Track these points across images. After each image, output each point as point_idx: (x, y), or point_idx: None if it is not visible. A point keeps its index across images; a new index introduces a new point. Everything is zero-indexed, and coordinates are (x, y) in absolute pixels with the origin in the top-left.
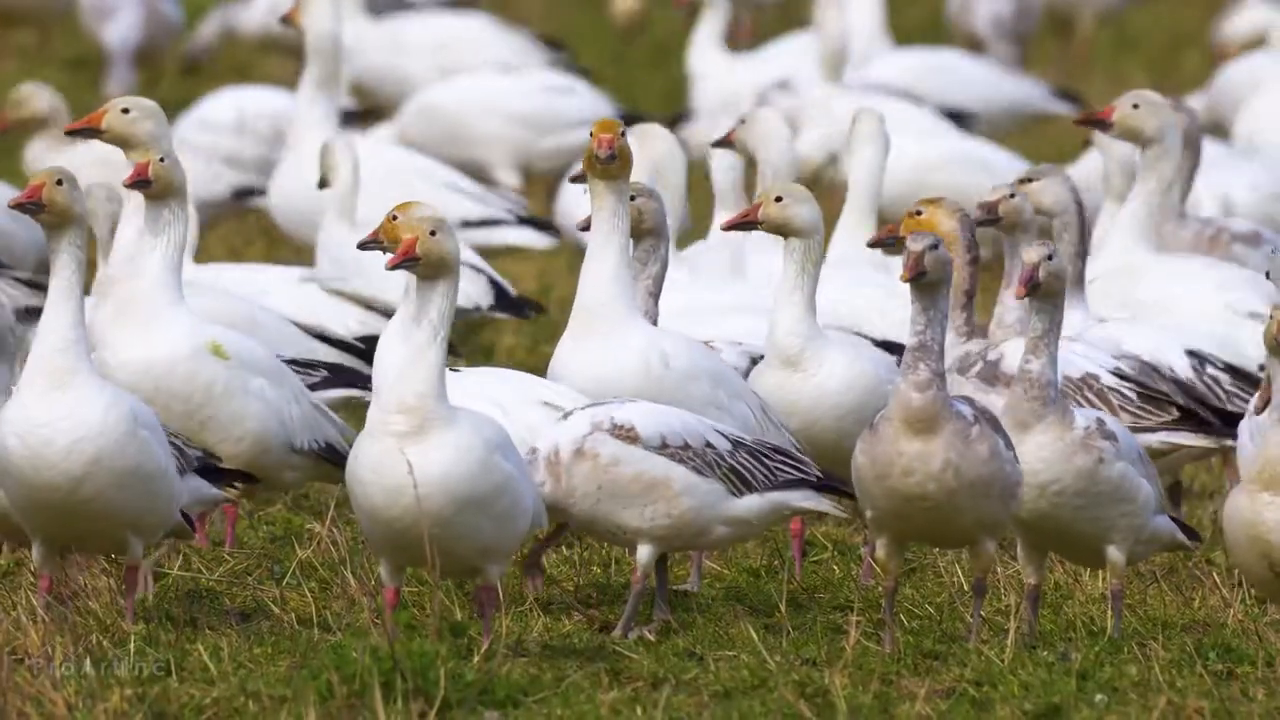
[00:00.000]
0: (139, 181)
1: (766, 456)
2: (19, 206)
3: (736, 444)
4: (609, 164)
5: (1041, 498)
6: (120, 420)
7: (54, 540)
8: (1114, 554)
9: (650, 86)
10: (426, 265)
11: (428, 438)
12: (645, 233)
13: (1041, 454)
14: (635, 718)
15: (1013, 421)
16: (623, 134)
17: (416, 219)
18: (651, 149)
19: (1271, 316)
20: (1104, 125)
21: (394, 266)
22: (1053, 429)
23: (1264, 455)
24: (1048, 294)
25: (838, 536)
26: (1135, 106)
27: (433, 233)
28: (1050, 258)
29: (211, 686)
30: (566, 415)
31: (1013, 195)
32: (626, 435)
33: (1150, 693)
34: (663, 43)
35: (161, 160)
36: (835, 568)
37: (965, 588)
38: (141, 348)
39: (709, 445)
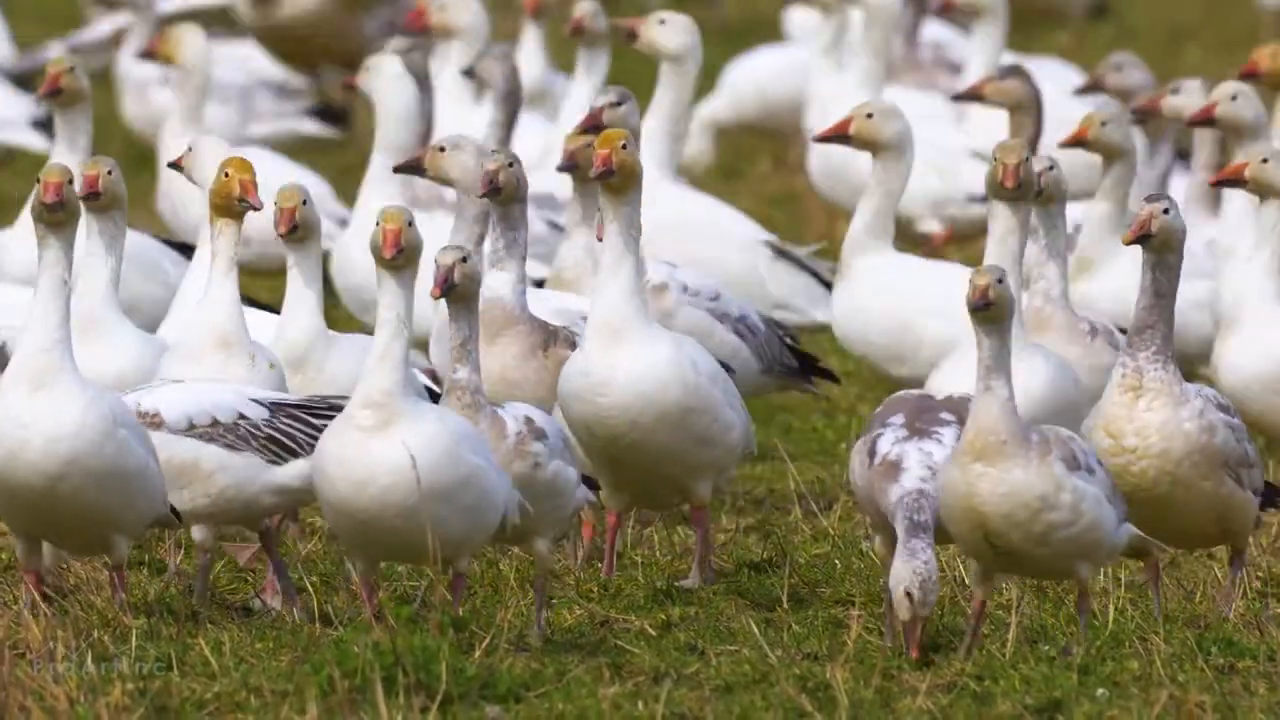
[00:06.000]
0: (90, 194)
1: (319, 414)
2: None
3: (276, 408)
4: (606, 179)
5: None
6: (98, 420)
7: (36, 538)
8: (539, 545)
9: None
10: (404, 257)
11: (392, 431)
12: (511, 200)
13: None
14: (637, 712)
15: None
16: (624, 146)
17: (394, 210)
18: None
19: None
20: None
21: (389, 259)
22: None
23: (974, 424)
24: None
25: (840, 530)
26: (1234, 99)
27: (410, 223)
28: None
29: (213, 681)
30: None
31: (1051, 168)
32: (152, 421)
33: (1152, 687)
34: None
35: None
36: (837, 562)
37: (966, 582)
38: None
39: (242, 418)
